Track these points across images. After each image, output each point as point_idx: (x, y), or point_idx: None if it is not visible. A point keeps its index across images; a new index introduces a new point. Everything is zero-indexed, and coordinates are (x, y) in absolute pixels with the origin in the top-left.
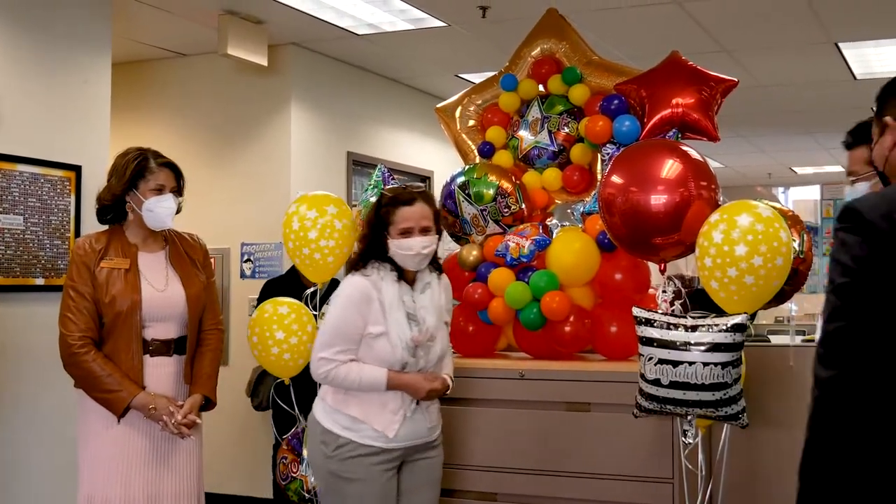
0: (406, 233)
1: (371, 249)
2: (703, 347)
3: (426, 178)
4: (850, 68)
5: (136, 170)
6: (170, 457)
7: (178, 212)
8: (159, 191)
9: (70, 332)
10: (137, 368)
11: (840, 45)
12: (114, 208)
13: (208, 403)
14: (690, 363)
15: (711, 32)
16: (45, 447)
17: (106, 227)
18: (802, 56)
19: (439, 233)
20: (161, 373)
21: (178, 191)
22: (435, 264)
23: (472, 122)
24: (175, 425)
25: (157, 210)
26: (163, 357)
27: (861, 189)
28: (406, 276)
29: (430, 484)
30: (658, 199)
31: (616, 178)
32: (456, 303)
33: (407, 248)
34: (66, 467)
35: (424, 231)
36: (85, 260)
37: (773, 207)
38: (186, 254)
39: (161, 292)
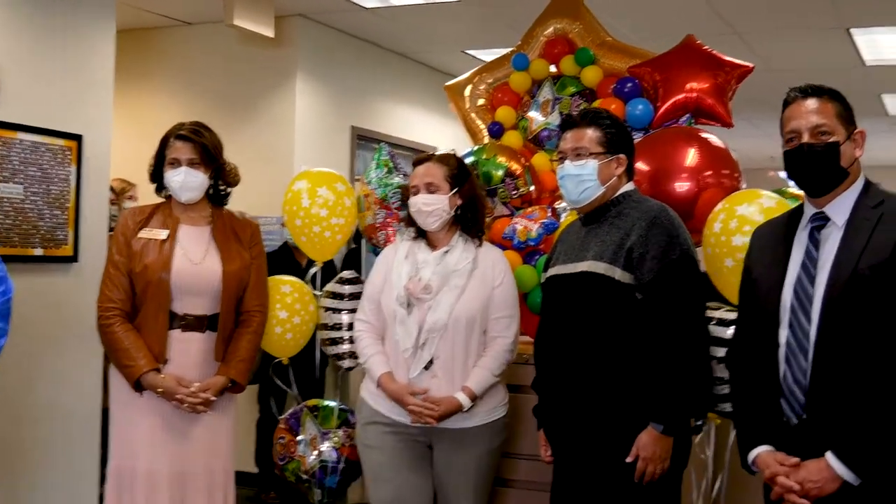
0: (414, 191)
1: (408, 214)
2: None
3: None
4: (859, 54)
5: (161, 145)
6: (197, 434)
7: (228, 184)
8: (172, 164)
9: (101, 301)
10: (162, 341)
11: (851, 30)
12: (161, 186)
13: (235, 385)
14: None
15: (723, 15)
16: (42, 420)
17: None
18: (813, 40)
19: (467, 196)
20: (189, 348)
21: (204, 163)
22: (473, 232)
23: (481, 102)
24: (189, 405)
25: (171, 184)
26: (194, 332)
27: (592, 166)
28: (430, 238)
29: (464, 483)
30: (681, 188)
31: (641, 166)
32: None
33: (412, 205)
34: (68, 440)
35: (431, 189)
36: (123, 231)
37: (787, 194)
38: (234, 231)
39: (196, 265)
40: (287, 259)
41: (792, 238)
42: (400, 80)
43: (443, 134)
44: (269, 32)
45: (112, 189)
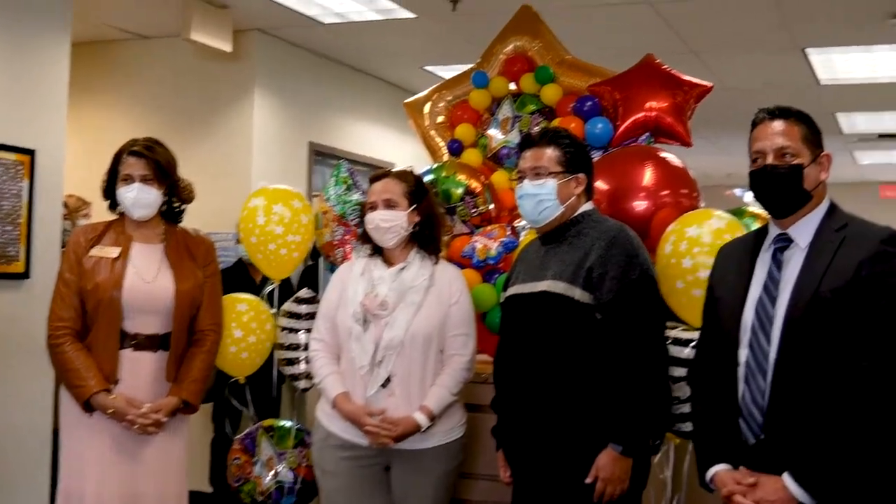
0: (371, 207)
1: (364, 231)
2: None
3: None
4: (814, 73)
5: (114, 161)
6: (148, 456)
7: (183, 200)
8: (125, 180)
9: (51, 320)
10: (113, 360)
11: (807, 50)
12: (114, 203)
13: (187, 406)
14: None
15: (680, 33)
16: None
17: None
18: (769, 60)
19: (425, 213)
20: (141, 368)
21: (157, 180)
22: (430, 249)
23: (441, 119)
24: (140, 426)
25: (123, 200)
26: (146, 352)
27: (551, 186)
28: (386, 255)
29: (419, 500)
30: (639, 206)
31: (600, 184)
32: None
33: (369, 222)
34: (22, 457)
35: (389, 205)
36: (74, 249)
37: (746, 213)
38: (187, 249)
39: (148, 284)
40: (241, 276)
41: (756, 258)
42: (359, 95)
43: (402, 150)
44: (226, 47)
45: (65, 205)
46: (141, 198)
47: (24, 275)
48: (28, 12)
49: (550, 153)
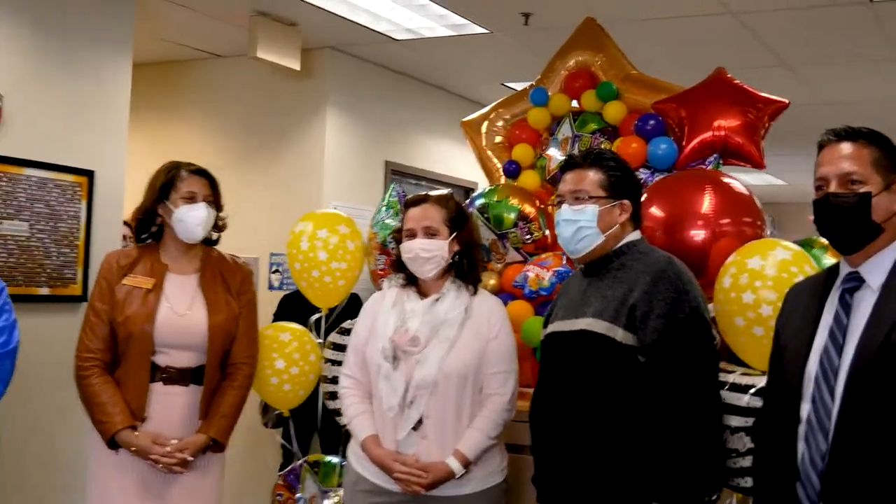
0: (409, 234)
1: (397, 259)
2: None
3: (469, 190)
4: None
5: (166, 180)
6: (176, 495)
7: (218, 228)
8: (190, 199)
9: (79, 350)
10: (142, 395)
11: None
12: (148, 224)
13: (216, 444)
14: None
15: (770, 45)
16: (45, 467)
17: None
18: (868, 71)
19: (466, 242)
20: (172, 403)
21: (215, 202)
22: (468, 280)
23: (499, 139)
24: (164, 465)
25: (188, 219)
26: (176, 386)
27: (592, 211)
28: (420, 286)
29: None
30: (697, 236)
31: (655, 211)
32: None
33: (407, 251)
34: (66, 487)
35: (429, 233)
36: (107, 276)
37: (817, 244)
38: (222, 277)
39: (181, 317)
40: (305, 301)
41: (825, 300)
42: (436, 112)
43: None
44: (294, 65)
45: (127, 224)
46: (204, 217)
47: (83, 297)
48: (88, 34)
49: (592, 176)
